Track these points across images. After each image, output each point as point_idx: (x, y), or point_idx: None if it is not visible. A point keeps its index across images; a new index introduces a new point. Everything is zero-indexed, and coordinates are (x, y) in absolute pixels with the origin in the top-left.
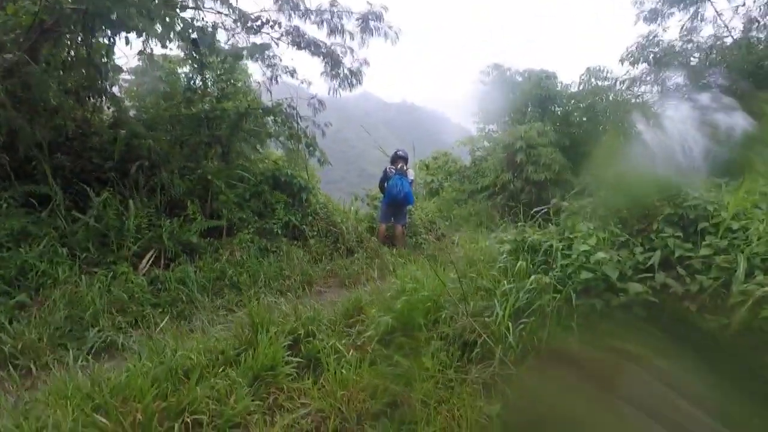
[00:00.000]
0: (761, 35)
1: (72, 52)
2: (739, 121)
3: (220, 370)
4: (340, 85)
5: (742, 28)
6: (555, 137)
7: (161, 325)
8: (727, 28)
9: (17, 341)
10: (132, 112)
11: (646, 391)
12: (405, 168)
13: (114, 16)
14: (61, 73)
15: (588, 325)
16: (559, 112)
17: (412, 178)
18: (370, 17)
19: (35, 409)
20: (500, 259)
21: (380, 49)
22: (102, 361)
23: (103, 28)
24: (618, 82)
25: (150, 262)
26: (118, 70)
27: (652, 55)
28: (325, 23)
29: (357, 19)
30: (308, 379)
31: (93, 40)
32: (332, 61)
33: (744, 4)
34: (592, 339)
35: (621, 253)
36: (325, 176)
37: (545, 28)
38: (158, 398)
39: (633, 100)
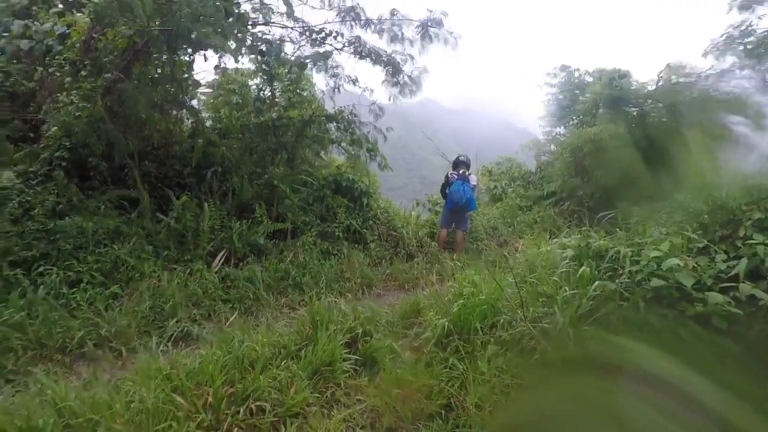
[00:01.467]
0: None
1: (158, 70)
2: None
3: (282, 362)
4: (400, 92)
5: None
6: (629, 139)
7: (231, 319)
8: None
9: (111, 326)
10: (208, 123)
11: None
12: (467, 173)
13: (194, 36)
14: (149, 88)
15: (658, 336)
16: (634, 113)
17: (474, 183)
18: (429, 24)
19: (125, 385)
20: (562, 264)
21: (443, 56)
22: (180, 348)
23: (185, 46)
24: (704, 77)
25: (221, 260)
26: (197, 84)
27: (742, 47)
28: (385, 32)
29: (417, 27)
30: (364, 376)
31: (176, 58)
32: (392, 69)
33: None
34: (660, 351)
35: (699, 261)
36: (387, 183)
37: (615, 26)
38: (226, 384)
39: (723, 96)
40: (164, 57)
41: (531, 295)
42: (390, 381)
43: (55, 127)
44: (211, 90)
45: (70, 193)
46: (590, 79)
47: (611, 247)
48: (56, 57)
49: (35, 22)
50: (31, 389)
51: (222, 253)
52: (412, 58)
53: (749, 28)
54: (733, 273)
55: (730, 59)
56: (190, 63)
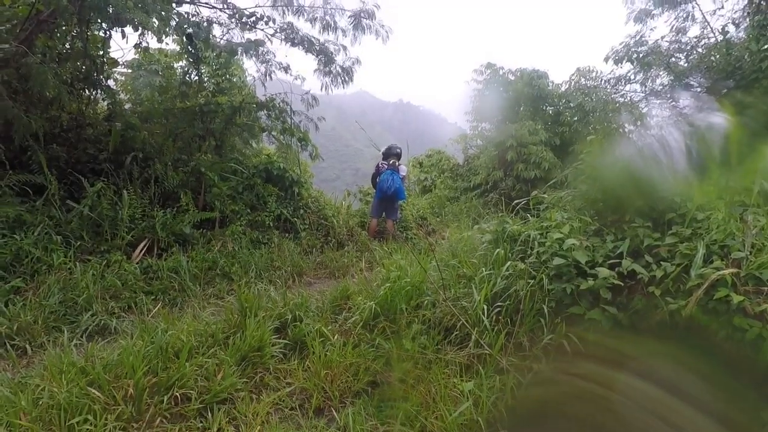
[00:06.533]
0: (741, 35)
1: (68, 44)
2: (715, 120)
3: (209, 350)
4: (332, 82)
5: (720, 30)
6: (546, 136)
7: (154, 311)
8: (712, 29)
9: (13, 323)
10: (127, 105)
11: (603, 369)
12: (397, 164)
13: (110, 10)
14: (57, 64)
15: (558, 308)
16: (550, 111)
17: (403, 174)
18: (362, 15)
19: (32, 382)
20: (480, 248)
21: (377, 49)
22: (96, 342)
23: (99, 21)
24: (604, 82)
25: (143, 251)
26: (114, 63)
27: (636, 55)
28: (318, 20)
29: (349, 17)
30: (294, 360)
31: (89, 33)
32: (325, 58)
33: (722, 7)
34: (560, 321)
35: (593, 241)
36: (320, 174)
37: (541, 26)
38: (149, 374)
39: (620, 99)
40: (75, 30)
41: (452, 277)
42: (319, 363)
43: None
44: (130, 70)
45: None
46: (512, 78)
47: (523, 230)
48: None
49: None
50: None
51: (144, 243)
52: (344, 48)
53: (642, 39)
54: (619, 252)
55: (626, 66)
56: (107, 39)
